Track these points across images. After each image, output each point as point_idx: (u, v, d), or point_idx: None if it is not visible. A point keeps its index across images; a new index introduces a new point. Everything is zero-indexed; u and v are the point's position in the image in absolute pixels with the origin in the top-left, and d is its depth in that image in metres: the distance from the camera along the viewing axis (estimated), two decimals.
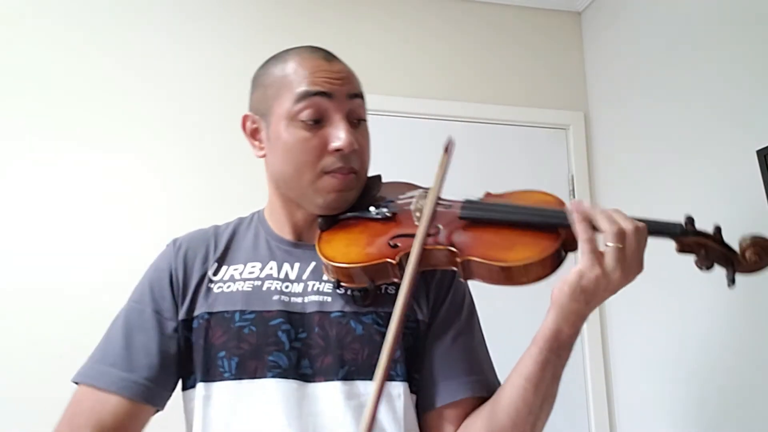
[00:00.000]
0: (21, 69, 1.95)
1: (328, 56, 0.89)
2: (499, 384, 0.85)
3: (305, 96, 0.84)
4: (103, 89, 2.01)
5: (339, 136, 0.84)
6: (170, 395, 0.85)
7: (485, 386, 0.84)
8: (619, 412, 2.10)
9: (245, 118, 0.93)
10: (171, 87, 2.07)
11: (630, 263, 0.70)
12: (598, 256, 0.69)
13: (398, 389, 0.81)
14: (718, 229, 0.75)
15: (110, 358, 0.82)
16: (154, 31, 2.11)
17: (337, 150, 0.84)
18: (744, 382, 1.58)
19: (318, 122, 0.85)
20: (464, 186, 2.50)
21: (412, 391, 0.84)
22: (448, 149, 0.90)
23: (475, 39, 2.39)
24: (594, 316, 2.17)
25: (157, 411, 0.84)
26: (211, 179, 2.00)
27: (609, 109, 2.30)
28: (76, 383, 0.83)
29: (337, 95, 0.85)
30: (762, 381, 1.53)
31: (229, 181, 1.99)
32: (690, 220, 0.75)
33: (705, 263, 0.75)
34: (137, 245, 1.83)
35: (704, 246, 0.74)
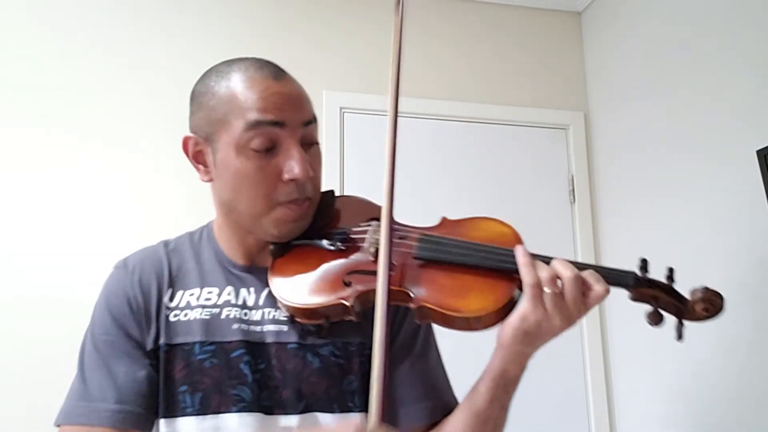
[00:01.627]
0: (20, 68, 1.96)
1: (278, 74, 0.83)
2: (456, 402, 0.86)
3: (256, 125, 0.78)
4: (105, 89, 2.01)
5: (293, 166, 0.79)
6: (154, 420, 0.81)
7: (442, 409, 0.85)
8: (619, 413, 2.10)
9: (186, 140, 0.86)
10: (171, 87, 2.06)
11: (571, 310, 0.72)
12: (540, 300, 0.71)
13: (356, 420, 0.80)
14: (669, 277, 0.77)
15: (95, 393, 0.78)
16: (154, 31, 2.11)
17: (292, 180, 0.80)
18: (744, 382, 1.58)
19: (270, 150, 0.80)
20: (465, 186, 2.48)
21: None
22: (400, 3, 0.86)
23: (475, 39, 2.39)
24: (594, 316, 2.17)
25: None
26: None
27: (609, 109, 2.30)
28: (59, 426, 0.78)
29: (290, 123, 0.80)
30: (762, 381, 1.53)
31: None
32: (644, 265, 0.77)
33: (655, 319, 0.77)
34: (137, 246, 1.83)
35: (655, 297, 0.77)
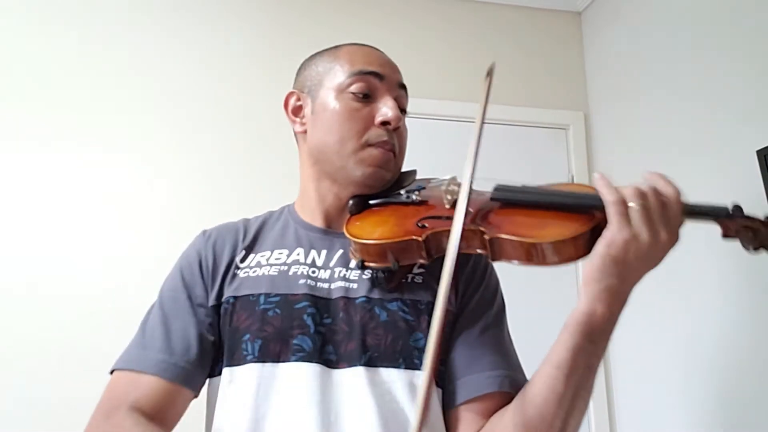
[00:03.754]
0: (17, 68, 1.95)
1: (381, 50, 0.94)
2: (526, 381, 0.80)
3: (359, 73, 0.87)
4: (104, 89, 2.01)
5: (387, 111, 0.86)
6: (205, 381, 0.84)
7: (513, 383, 0.80)
8: (620, 413, 2.10)
9: (289, 95, 0.94)
10: (171, 88, 2.06)
11: (657, 224, 0.66)
12: (624, 217, 0.66)
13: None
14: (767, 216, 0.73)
15: (149, 342, 0.82)
16: (155, 31, 2.11)
17: (384, 123, 0.86)
18: (745, 382, 1.58)
19: (367, 97, 0.87)
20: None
21: (438, 385, 0.81)
22: (489, 73, 0.86)
23: (475, 39, 2.39)
24: None
25: (194, 397, 0.83)
26: (212, 180, 2.00)
27: (609, 109, 2.30)
28: (113, 372, 0.82)
29: (389, 79, 0.89)
30: (763, 381, 1.53)
31: (231, 183, 1.99)
32: (737, 207, 0.73)
33: (753, 244, 0.72)
34: (135, 246, 1.83)
35: (752, 229, 0.71)
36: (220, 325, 0.84)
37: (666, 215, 0.68)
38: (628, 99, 2.17)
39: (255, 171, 2.02)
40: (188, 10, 2.16)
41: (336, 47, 0.93)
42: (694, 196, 0.79)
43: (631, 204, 0.66)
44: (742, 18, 1.69)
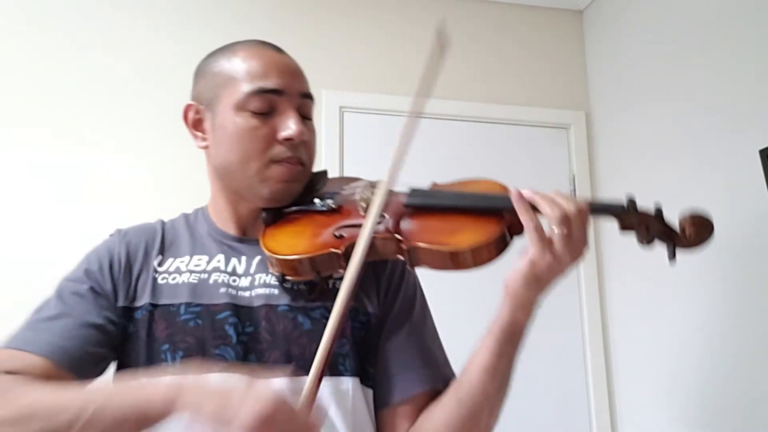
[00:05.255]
0: (11, 67, 1.95)
1: (279, 50, 0.89)
2: (453, 376, 0.85)
3: (258, 91, 0.83)
4: (96, 85, 2.00)
5: (290, 125, 0.83)
6: (99, 376, 0.80)
7: (440, 379, 0.84)
8: (621, 413, 2.09)
9: (188, 108, 0.90)
10: (166, 84, 2.05)
11: (576, 244, 0.72)
12: (547, 243, 0.71)
13: (347, 384, 0.80)
14: (659, 210, 0.77)
15: (42, 325, 0.77)
16: (148, 27, 2.09)
17: (287, 139, 0.83)
18: (745, 382, 1.58)
19: (267, 114, 0.84)
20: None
21: (367, 386, 0.83)
22: (440, 41, 0.89)
23: (475, 38, 2.38)
24: (595, 316, 2.16)
25: None
26: (204, 177, 1.99)
27: (611, 109, 2.29)
28: None
29: (289, 91, 0.85)
30: (763, 381, 1.52)
31: None
32: (632, 201, 0.76)
33: (646, 239, 0.77)
34: None
35: (646, 224, 0.76)
36: (132, 330, 0.81)
37: (582, 233, 0.72)
38: (630, 98, 2.16)
39: None
40: (188, 11, 2.15)
41: (232, 51, 0.88)
42: (695, 195, 0.79)
43: (554, 229, 0.71)
44: (744, 17, 1.68)
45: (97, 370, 0.80)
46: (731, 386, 1.62)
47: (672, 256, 0.76)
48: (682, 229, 0.76)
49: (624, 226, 0.77)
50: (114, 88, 2.01)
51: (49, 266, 1.81)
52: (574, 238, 0.71)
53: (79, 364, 0.76)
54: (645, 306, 1.95)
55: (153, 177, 1.97)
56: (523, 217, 0.72)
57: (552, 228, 0.71)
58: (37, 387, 0.69)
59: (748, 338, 1.58)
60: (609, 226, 2.20)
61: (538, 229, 0.71)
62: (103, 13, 2.06)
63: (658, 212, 0.77)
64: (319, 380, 0.65)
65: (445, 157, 2.22)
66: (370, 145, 2.08)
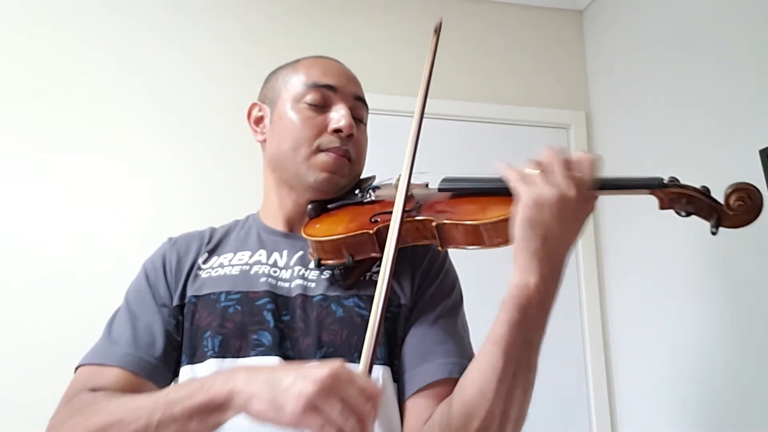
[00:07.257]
0: (8, 69, 1.95)
1: (340, 62, 0.99)
2: None
3: (314, 85, 0.92)
4: (94, 90, 2.00)
5: (339, 118, 0.90)
6: (173, 379, 0.84)
7: (463, 369, 0.78)
8: (621, 413, 2.09)
9: (252, 106, 0.99)
10: (163, 89, 2.06)
11: (560, 180, 0.69)
12: (527, 180, 0.70)
13: (377, 372, 0.79)
14: (704, 187, 0.76)
15: (115, 339, 0.83)
16: (145, 32, 2.09)
17: (337, 131, 0.89)
18: (745, 382, 1.58)
19: (322, 107, 0.92)
20: None
21: (394, 379, 0.82)
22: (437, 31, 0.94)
23: (475, 38, 2.38)
24: (596, 316, 2.16)
25: None
26: (202, 182, 1.99)
27: (610, 109, 2.29)
28: (77, 368, 0.83)
29: (343, 90, 0.93)
30: (762, 381, 1.52)
31: (221, 185, 1.98)
32: (674, 179, 0.75)
33: (685, 209, 0.74)
34: (127, 248, 1.82)
35: (687, 196, 0.74)
36: (182, 323, 0.86)
37: (569, 172, 0.70)
38: (630, 98, 2.16)
39: (248, 172, 2.00)
40: (188, 12, 2.15)
41: (297, 61, 0.98)
42: None
43: (528, 171, 0.72)
44: (744, 17, 1.68)
45: (170, 371, 0.84)
46: (731, 385, 1.62)
47: (715, 227, 0.73)
48: (726, 200, 0.74)
49: (662, 205, 0.77)
50: (114, 89, 2.01)
51: (49, 266, 1.83)
52: (555, 174, 0.69)
53: (153, 370, 0.81)
54: (645, 305, 1.95)
55: (153, 177, 1.97)
56: (504, 173, 0.74)
57: (527, 171, 0.72)
58: (114, 399, 0.73)
59: (747, 338, 1.58)
60: (609, 226, 2.20)
61: (517, 174, 0.72)
62: (105, 16, 2.06)
63: (704, 188, 0.76)
64: (371, 366, 0.65)
65: (445, 157, 2.22)
66: (372, 144, 2.07)
